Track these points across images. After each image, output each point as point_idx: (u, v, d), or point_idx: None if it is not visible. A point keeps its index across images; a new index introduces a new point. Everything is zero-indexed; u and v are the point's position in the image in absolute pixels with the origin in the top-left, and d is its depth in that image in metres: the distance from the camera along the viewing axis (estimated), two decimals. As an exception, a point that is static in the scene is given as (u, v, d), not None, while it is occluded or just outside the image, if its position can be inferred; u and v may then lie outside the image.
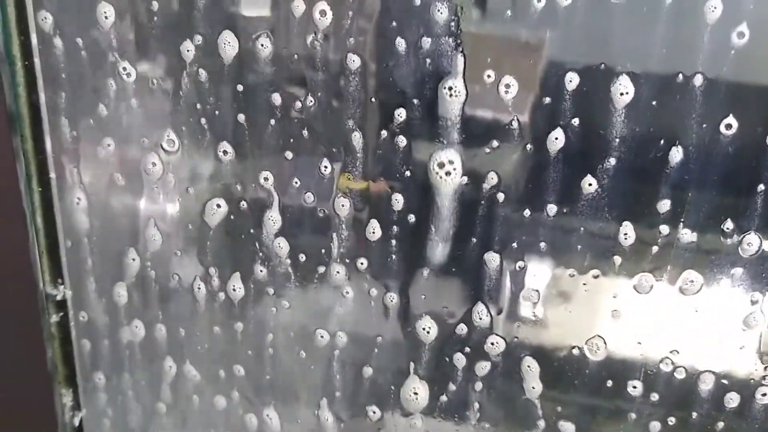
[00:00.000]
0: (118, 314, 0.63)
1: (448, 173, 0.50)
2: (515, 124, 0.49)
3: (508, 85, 0.47)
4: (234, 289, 0.58)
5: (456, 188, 0.51)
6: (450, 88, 0.48)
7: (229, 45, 0.50)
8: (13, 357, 0.64)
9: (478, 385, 0.56)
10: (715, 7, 0.44)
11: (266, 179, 0.54)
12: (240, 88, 0.52)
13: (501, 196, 0.51)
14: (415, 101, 0.50)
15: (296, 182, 0.54)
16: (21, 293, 0.63)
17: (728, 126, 0.46)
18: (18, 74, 0.56)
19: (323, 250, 0.55)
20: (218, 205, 0.56)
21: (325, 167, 0.53)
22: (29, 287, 0.63)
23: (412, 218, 0.53)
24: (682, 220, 0.49)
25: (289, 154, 0.53)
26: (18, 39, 0.55)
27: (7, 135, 0.58)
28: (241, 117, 0.53)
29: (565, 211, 0.50)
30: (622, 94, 0.46)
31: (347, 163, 0.53)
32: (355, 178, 0.53)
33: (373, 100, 0.51)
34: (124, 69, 0.54)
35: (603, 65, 0.46)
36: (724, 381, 0.52)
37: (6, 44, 0.56)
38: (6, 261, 0.62)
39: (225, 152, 0.54)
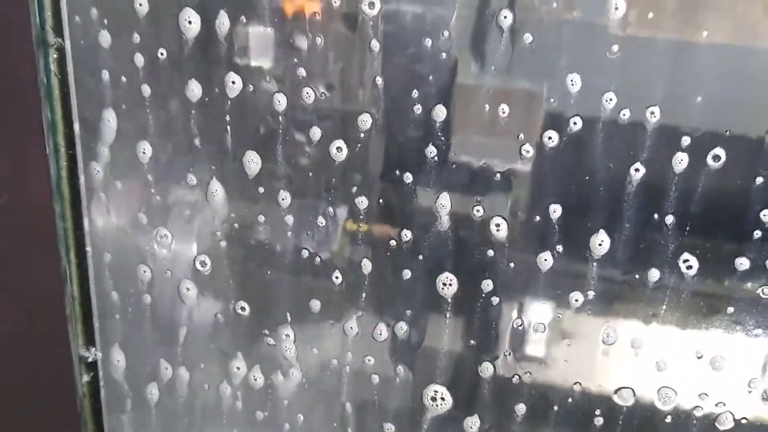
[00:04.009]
0: (149, 414, 0.70)
1: (443, 399, 0.58)
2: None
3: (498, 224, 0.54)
4: (255, 379, 0.65)
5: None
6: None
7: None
8: (48, 412, 0.71)
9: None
10: (681, 160, 0.50)
11: (287, 335, 0.61)
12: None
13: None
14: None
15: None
16: (57, 356, 0.69)
17: (689, 267, 0.52)
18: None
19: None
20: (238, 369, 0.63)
21: (337, 280, 0.59)
22: (65, 350, 0.69)
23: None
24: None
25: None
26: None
27: (50, 209, 0.65)
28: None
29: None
30: (599, 244, 0.52)
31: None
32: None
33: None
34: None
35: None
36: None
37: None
38: (45, 327, 0.69)
39: (243, 308, 0.61)
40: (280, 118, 0.57)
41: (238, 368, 0.66)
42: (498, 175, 0.54)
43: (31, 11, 0.58)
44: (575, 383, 0.58)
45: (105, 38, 0.57)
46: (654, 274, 0.53)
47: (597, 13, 0.49)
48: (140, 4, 0.55)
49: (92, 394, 0.71)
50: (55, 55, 0.59)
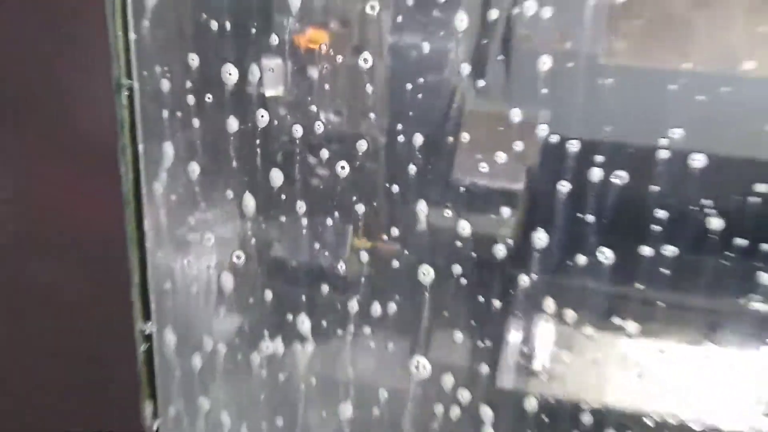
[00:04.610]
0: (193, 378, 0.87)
1: (424, 367, 0.76)
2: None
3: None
4: (278, 350, 0.83)
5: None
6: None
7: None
8: (112, 376, 0.89)
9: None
10: (595, 174, 0.67)
11: (302, 313, 0.79)
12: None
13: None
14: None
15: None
16: (121, 328, 0.87)
17: (606, 257, 0.69)
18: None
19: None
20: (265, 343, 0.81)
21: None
22: (128, 324, 0.87)
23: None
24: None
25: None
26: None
27: (121, 214, 0.83)
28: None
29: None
30: (539, 238, 0.69)
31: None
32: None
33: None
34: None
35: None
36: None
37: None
38: (111, 305, 0.86)
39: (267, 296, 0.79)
40: (298, 142, 0.75)
41: (266, 344, 0.83)
42: (462, 187, 0.71)
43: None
44: (523, 344, 0.75)
45: (165, 85, 0.75)
46: (581, 260, 0.70)
47: (529, 69, 0.67)
48: (192, 59, 0.74)
49: (148, 362, 0.88)
50: (127, 93, 0.77)
